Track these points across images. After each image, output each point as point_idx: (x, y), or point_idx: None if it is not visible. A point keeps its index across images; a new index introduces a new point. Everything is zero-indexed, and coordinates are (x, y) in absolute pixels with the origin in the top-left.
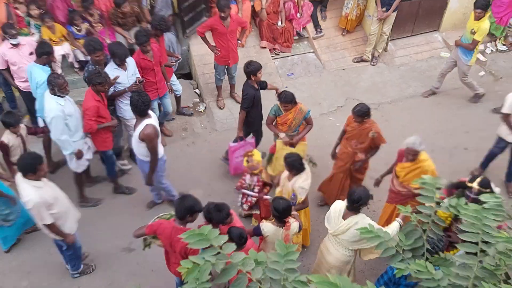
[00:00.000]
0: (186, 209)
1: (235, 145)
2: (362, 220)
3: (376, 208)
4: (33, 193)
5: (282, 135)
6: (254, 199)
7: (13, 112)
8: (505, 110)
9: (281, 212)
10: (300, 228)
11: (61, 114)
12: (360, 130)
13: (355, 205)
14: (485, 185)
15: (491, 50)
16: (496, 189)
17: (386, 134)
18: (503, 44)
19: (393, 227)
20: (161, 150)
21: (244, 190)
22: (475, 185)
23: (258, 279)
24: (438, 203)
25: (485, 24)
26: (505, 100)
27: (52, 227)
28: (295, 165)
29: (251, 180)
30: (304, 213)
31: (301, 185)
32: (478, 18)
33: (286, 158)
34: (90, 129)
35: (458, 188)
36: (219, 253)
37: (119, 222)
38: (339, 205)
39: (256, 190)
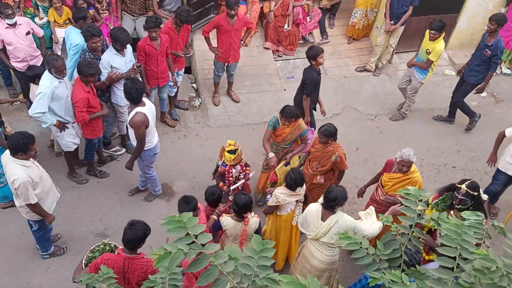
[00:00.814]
0: (137, 239)
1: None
2: (341, 217)
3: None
4: (21, 172)
5: (270, 155)
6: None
7: None
8: None
9: (240, 207)
10: (260, 228)
11: (48, 93)
12: (323, 152)
13: (331, 204)
14: (473, 188)
15: (496, 73)
16: (484, 196)
17: (379, 146)
18: (508, 68)
19: (376, 227)
20: (154, 139)
21: (233, 187)
22: (463, 186)
23: (229, 273)
24: (419, 215)
25: (440, 45)
26: None
27: (35, 206)
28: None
29: (236, 172)
30: (295, 234)
31: (277, 192)
32: (432, 39)
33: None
34: (83, 120)
35: (448, 191)
36: (194, 242)
37: (98, 207)
38: (315, 208)
39: (242, 176)
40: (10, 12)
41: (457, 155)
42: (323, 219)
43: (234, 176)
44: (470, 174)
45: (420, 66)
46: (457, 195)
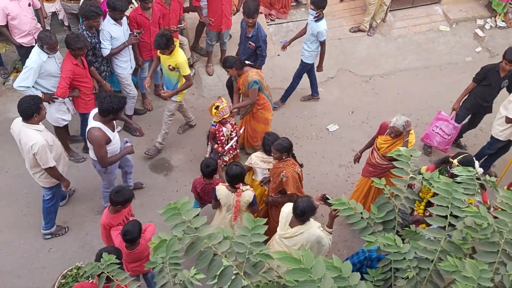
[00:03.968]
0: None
1: (444, 115)
2: (307, 230)
3: (355, 180)
4: (38, 136)
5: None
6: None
7: None
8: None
9: (230, 176)
10: (254, 201)
11: (35, 68)
12: (275, 168)
13: (300, 219)
14: (465, 163)
15: (491, 26)
16: (479, 169)
17: (374, 107)
18: (503, 21)
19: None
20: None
21: (227, 147)
22: (454, 161)
23: (224, 253)
24: (412, 177)
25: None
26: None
27: (53, 169)
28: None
29: (227, 130)
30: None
31: (253, 154)
32: None
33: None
34: (63, 93)
35: (444, 163)
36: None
37: (97, 184)
38: (287, 210)
39: (233, 134)
40: None
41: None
42: (291, 224)
43: (225, 135)
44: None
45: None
46: (449, 169)
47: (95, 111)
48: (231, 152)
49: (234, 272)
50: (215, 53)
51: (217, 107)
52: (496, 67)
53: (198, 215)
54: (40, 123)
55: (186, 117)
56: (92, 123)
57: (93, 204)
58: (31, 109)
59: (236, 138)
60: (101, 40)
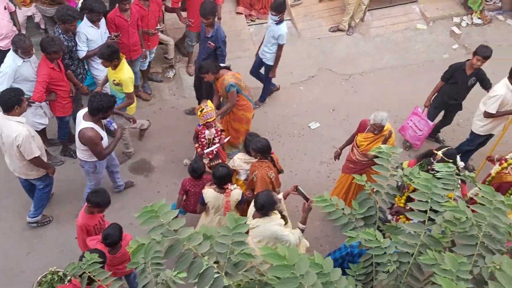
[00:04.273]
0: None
1: (419, 112)
2: (264, 225)
3: (336, 177)
4: (20, 127)
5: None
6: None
7: None
8: (491, 110)
9: (217, 178)
10: (243, 199)
11: (10, 72)
12: (252, 166)
13: (260, 212)
14: (449, 155)
15: (467, 24)
16: (460, 163)
17: (354, 105)
18: (479, 18)
19: (296, 236)
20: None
21: (207, 151)
22: (439, 153)
23: (204, 253)
24: (392, 174)
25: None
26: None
27: (39, 159)
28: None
29: (210, 134)
30: None
31: (236, 157)
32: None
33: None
34: (39, 98)
35: (426, 157)
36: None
37: (76, 187)
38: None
39: (216, 140)
40: None
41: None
42: (254, 217)
43: (207, 138)
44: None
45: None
46: (432, 161)
47: (83, 111)
48: (209, 156)
49: (215, 272)
50: (196, 53)
51: (201, 110)
52: (462, 66)
53: (177, 216)
54: (22, 115)
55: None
56: (84, 123)
57: (71, 208)
58: (12, 101)
59: (218, 145)
60: (77, 42)
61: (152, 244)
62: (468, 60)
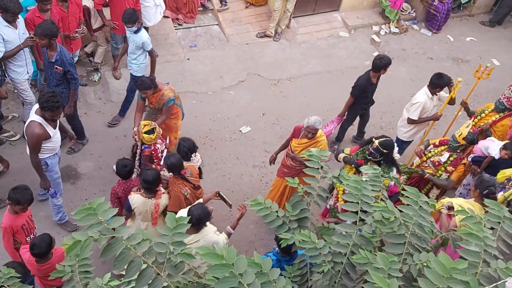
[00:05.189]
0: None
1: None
2: (204, 238)
3: (268, 180)
4: None
5: (135, 128)
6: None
7: None
8: (414, 116)
9: (151, 182)
10: None
11: None
12: (169, 182)
13: (197, 227)
14: (384, 146)
15: (385, 32)
16: (396, 155)
17: (284, 109)
18: (396, 27)
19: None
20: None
21: (162, 163)
22: (376, 141)
23: (143, 253)
24: (324, 177)
25: None
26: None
27: None
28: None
29: (161, 146)
30: None
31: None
32: None
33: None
34: None
35: (368, 144)
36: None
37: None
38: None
39: (163, 147)
40: None
41: None
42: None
43: (160, 150)
44: (366, 129)
45: None
46: (369, 147)
47: (36, 106)
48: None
49: (154, 272)
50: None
51: (151, 131)
52: (368, 79)
53: (116, 215)
54: None
55: None
56: (33, 116)
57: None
58: None
59: (166, 149)
60: None
61: (90, 241)
62: (369, 71)
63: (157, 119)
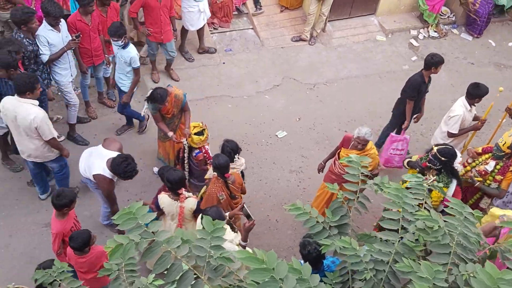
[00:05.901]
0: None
1: (397, 137)
2: None
3: (306, 185)
4: (36, 109)
5: (170, 134)
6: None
7: None
8: (454, 130)
9: (171, 182)
10: (198, 208)
11: None
12: (210, 180)
13: None
14: (442, 153)
15: (424, 36)
16: (459, 167)
17: (320, 114)
18: (435, 31)
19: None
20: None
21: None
22: (435, 148)
23: (183, 257)
24: (364, 181)
25: None
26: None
27: (55, 140)
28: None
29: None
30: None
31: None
32: None
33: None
34: None
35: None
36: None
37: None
38: (199, 221)
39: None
40: None
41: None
42: None
43: (209, 149)
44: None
45: None
46: (429, 154)
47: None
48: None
49: (194, 276)
50: (160, 61)
51: (201, 132)
52: (421, 78)
53: (156, 219)
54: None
55: None
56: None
57: (40, 217)
58: (25, 87)
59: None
60: (39, 46)
61: (131, 245)
62: (421, 70)
63: (185, 120)
